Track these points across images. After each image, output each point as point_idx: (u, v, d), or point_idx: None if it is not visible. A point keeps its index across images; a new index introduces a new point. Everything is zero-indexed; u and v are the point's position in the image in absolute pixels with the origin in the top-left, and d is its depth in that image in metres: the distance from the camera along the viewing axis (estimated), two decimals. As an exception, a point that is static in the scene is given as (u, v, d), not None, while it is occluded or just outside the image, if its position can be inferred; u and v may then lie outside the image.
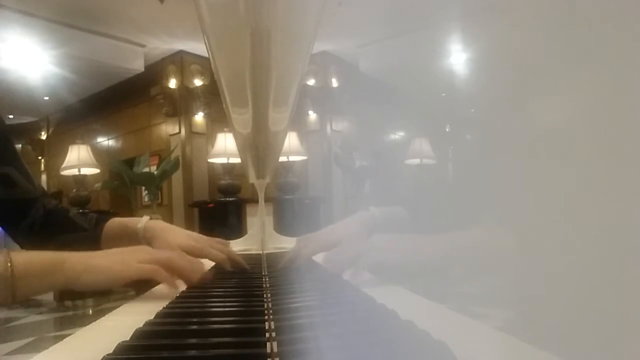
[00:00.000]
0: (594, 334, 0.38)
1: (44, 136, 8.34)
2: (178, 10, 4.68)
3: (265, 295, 0.50)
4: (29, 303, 4.70)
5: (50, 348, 0.35)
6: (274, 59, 0.53)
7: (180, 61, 6.03)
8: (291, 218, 4.52)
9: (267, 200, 1.25)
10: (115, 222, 0.84)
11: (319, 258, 0.73)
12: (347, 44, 5.84)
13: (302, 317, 0.38)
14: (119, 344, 0.31)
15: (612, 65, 0.36)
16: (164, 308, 0.45)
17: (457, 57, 5.56)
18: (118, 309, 0.51)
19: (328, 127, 6.26)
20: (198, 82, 6.06)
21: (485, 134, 0.55)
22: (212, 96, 5.92)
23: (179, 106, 6.09)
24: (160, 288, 0.67)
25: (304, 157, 5.26)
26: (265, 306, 0.44)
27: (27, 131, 8.33)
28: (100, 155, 5.96)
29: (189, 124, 6.11)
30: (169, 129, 6.28)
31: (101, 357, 0.29)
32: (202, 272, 0.64)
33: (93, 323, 0.43)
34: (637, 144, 0.34)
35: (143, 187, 5.54)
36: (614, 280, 0.36)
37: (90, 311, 4.40)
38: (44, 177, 8.30)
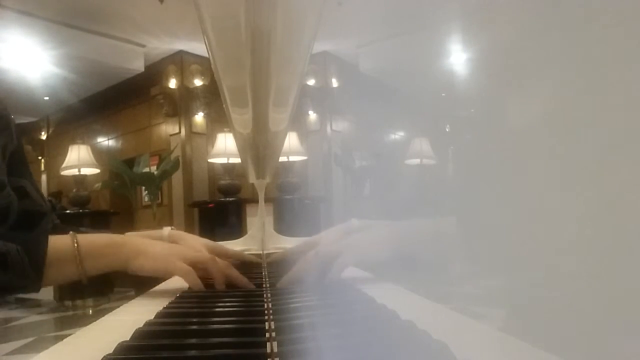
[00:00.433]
0: (594, 334, 0.38)
1: (44, 136, 8.34)
2: (178, 10, 4.68)
3: (265, 295, 0.50)
4: (29, 303, 4.70)
5: (50, 348, 0.35)
6: (274, 59, 0.53)
7: (180, 61, 6.03)
8: (291, 218, 4.52)
9: (267, 200, 1.25)
10: (138, 235, 0.86)
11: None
12: (347, 44, 5.84)
13: (302, 317, 0.38)
14: (119, 344, 0.32)
15: (613, 65, 0.36)
16: (164, 308, 0.45)
17: (457, 57, 5.56)
18: (118, 309, 0.51)
19: (328, 127, 6.26)
20: (198, 82, 6.06)
21: (485, 134, 0.55)
22: (212, 96, 5.92)
23: (179, 106, 6.09)
24: (160, 288, 0.67)
25: (304, 157, 5.26)
26: (265, 306, 0.44)
27: (27, 131, 8.33)
28: (100, 155, 5.96)
29: (189, 124, 6.11)
30: (169, 129, 6.28)
31: (101, 357, 0.29)
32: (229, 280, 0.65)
33: (93, 323, 0.43)
34: (637, 143, 0.34)
35: (143, 187, 5.55)
36: (613, 280, 0.36)
37: (90, 311, 4.40)
38: (44, 177, 8.30)
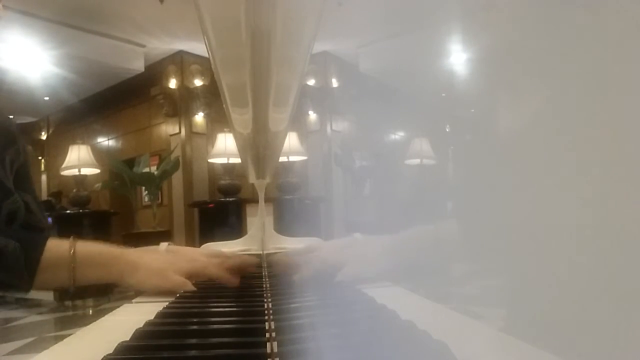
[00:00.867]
0: (594, 334, 0.38)
1: (44, 136, 8.34)
2: (178, 10, 4.68)
3: (265, 296, 0.50)
4: (29, 303, 4.70)
5: (50, 348, 0.35)
6: (274, 59, 0.53)
7: (180, 61, 6.03)
8: (291, 218, 4.52)
9: (267, 200, 1.25)
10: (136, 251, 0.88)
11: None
12: (347, 44, 5.84)
13: (302, 318, 0.38)
14: (119, 344, 0.31)
15: (613, 65, 0.36)
16: (164, 308, 0.45)
17: (457, 57, 5.56)
18: (118, 309, 0.51)
19: (328, 127, 6.26)
20: (198, 82, 6.06)
21: (485, 134, 0.55)
22: (212, 96, 5.92)
23: (179, 106, 6.09)
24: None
25: (304, 157, 5.26)
26: (266, 306, 0.44)
27: (27, 131, 8.33)
28: (101, 155, 5.96)
29: (189, 124, 6.11)
30: (169, 129, 6.28)
31: (101, 357, 0.29)
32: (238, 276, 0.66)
33: (93, 323, 0.43)
34: (637, 144, 0.34)
35: (143, 187, 5.55)
36: (613, 281, 0.36)
37: (90, 311, 4.40)
38: (44, 177, 8.31)
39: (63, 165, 4.97)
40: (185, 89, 6.04)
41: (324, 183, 6.17)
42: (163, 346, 0.32)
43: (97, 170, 5.21)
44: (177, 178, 5.96)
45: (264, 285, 0.61)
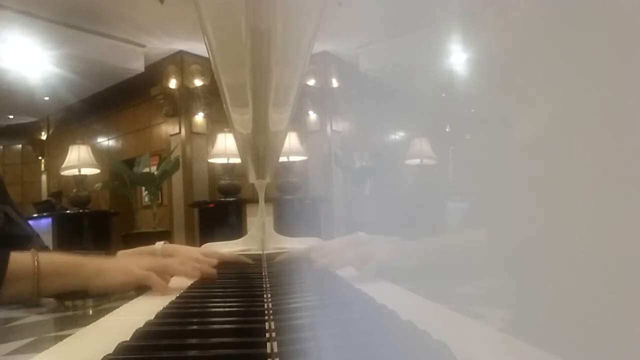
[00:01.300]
0: (593, 334, 0.38)
1: (44, 136, 8.34)
2: (178, 10, 4.68)
3: (265, 296, 0.50)
4: (29, 303, 4.70)
5: (50, 348, 0.35)
6: (274, 59, 0.53)
7: (180, 61, 6.03)
8: (291, 218, 4.52)
9: (267, 200, 1.25)
10: (129, 252, 0.88)
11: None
12: (347, 44, 5.84)
13: (302, 318, 0.38)
14: (119, 344, 0.31)
15: (613, 65, 0.36)
16: (164, 308, 0.45)
17: (457, 57, 5.56)
18: (118, 309, 0.51)
19: (328, 127, 6.26)
20: (198, 82, 6.06)
21: (485, 134, 0.55)
22: (212, 96, 5.92)
23: (179, 106, 6.09)
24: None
25: (304, 158, 5.26)
26: (266, 306, 0.44)
27: (27, 131, 8.34)
28: (101, 155, 5.96)
29: (189, 124, 6.11)
30: (169, 129, 6.28)
31: (101, 357, 0.29)
32: (203, 272, 0.69)
33: (93, 323, 0.43)
34: (637, 144, 0.34)
35: (143, 187, 5.55)
36: (614, 281, 0.36)
37: (90, 311, 4.40)
38: (44, 177, 8.31)
39: (63, 165, 4.97)
40: (185, 89, 6.04)
41: (324, 183, 6.17)
42: (163, 346, 0.32)
43: (97, 170, 5.21)
44: (177, 178, 5.96)
45: (264, 285, 0.61)
